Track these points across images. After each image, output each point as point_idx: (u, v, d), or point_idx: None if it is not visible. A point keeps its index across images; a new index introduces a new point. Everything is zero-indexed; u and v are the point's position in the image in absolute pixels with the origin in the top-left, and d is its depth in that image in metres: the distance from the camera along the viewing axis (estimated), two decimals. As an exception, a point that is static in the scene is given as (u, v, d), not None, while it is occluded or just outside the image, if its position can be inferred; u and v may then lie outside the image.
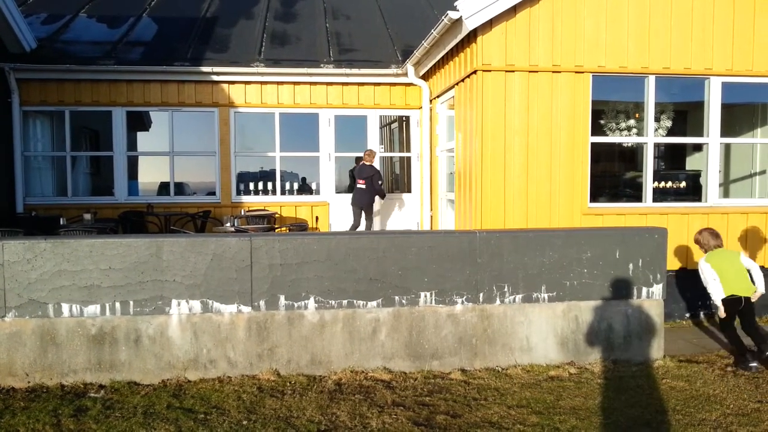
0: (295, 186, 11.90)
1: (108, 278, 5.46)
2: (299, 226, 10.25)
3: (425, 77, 10.69)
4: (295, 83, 11.00)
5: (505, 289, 6.00)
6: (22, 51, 10.49)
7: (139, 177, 12.11)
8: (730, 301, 6.20)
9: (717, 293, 6.24)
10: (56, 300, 5.41)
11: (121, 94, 10.73)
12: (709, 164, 8.60)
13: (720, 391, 5.42)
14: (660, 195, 8.97)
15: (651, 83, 8.36)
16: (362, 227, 10.46)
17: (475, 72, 8.02)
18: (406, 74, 10.72)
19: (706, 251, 6.49)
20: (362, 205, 10.55)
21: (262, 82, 10.95)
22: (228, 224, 8.78)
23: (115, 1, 13.44)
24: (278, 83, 10.99)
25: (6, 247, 5.35)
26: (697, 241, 6.64)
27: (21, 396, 5.18)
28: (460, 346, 5.96)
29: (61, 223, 8.85)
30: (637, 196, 8.71)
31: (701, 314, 8.56)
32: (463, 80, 8.57)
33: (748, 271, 6.29)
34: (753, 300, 6.19)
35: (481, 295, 5.97)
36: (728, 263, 6.30)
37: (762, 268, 6.61)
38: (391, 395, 5.25)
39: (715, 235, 6.49)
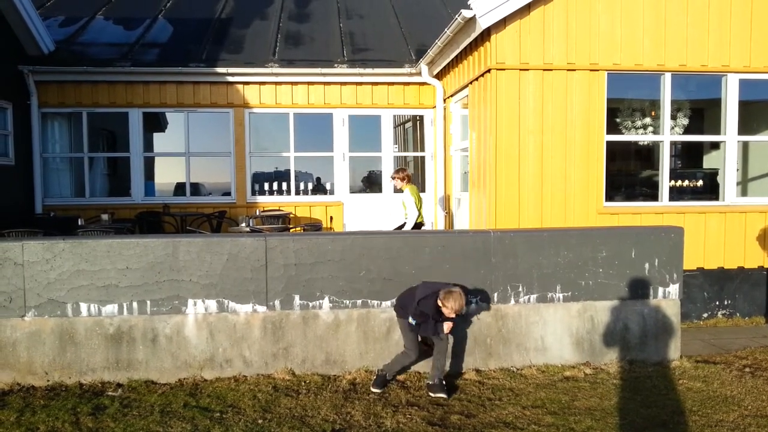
0: (310, 186, 11.95)
1: (125, 278, 5.52)
2: (314, 226, 10.30)
3: (439, 76, 10.68)
4: (309, 83, 11.04)
5: (520, 289, 5.99)
6: (41, 53, 10.64)
7: (156, 177, 12.21)
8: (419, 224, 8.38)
9: (414, 216, 8.32)
10: (75, 299, 5.49)
11: (137, 96, 10.84)
12: (726, 162, 8.51)
13: (738, 392, 5.36)
14: (676, 194, 8.89)
15: (667, 81, 8.29)
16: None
17: (489, 71, 7.99)
18: (419, 73, 10.72)
19: (409, 182, 8.49)
20: None
21: (276, 83, 11.00)
22: (243, 224, 8.84)
23: (131, 4, 13.58)
24: (292, 83, 11.04)
25: (26, 247, 5.44)
26: (403, 179, 8.49)
27: (41, 394, 5.26)
28: (475, 346, 5.95)
29: (79, 223, 8.97)
30: (653, 195, 8.64)
31: (719, 314, 8.48)
32: (476, 79, 8.56)
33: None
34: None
35: (496, 294, 5.95)
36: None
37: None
38: (405, 395, 5.26)
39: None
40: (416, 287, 5.35)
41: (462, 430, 4.58)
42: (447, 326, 5.29)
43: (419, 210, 8.48)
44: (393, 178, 8.68)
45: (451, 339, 5.61)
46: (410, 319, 5.23)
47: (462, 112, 10.02)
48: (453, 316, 5.15)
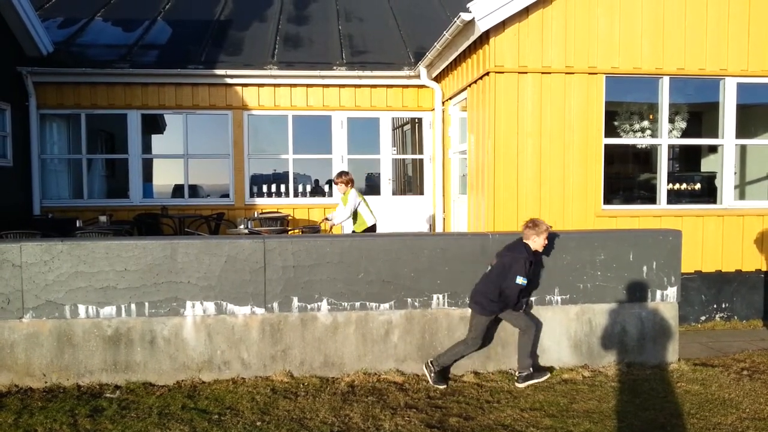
0: (308, 188, 11.94)
1: (123, 280, 5.52)
2: (312, 228, 10.28)
3: (438, 79, 10.70)
4: (308, 86, 11.05)
5: (518, 292, 5.98)
6: (39, 55, 10.63)
7: (154, 179, 12.20)
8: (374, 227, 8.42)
9: (370, 219, 8.26)
10: (73, 301, 5.48)
11: (136, 97, 10.84)
12: (724, 166, 8.53)
13: (736, 395, 5.37)
14: (674, 197, 8.91)
15: (665, 84, 8.31)
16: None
17: (487, 73, 8.01)
18: (418, 76, 10.73)
19: (352, 186, 8.30)
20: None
21: (275, 85, 11.01)
22: (242, 226, 8.84)
23: (130, 5, 13.58)
24: (291, 86, 11.04)
25: (24, 248, 5.43)
26: (347, 182, 8.28)
27: (38, 396, 5.24)
28: (473, 349, 5.95)
29: (78, 225, 8.95)
30: (651, 198, 8.66)
31: (716, 317, 8.49)
32: (475, 82, 8.57)
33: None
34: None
35: (494, 297, 5.95)
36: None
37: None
38: (403, 397, 5.26)
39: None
40: (494, 267, 5.54)
41: (460, 432, 4.58)
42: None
43: (371, 212, 8.37)
44: (336, 182, 8.40)
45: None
46: (519, 280, 5.33)
47: (460, 114, 10.03)
48: (546, 241, 5.56)
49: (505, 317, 5.68)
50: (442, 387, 5.48)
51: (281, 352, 5.73)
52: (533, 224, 5.53)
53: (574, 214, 8.07)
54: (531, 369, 5.61)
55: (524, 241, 5.54)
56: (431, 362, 5.64)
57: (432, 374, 5.58)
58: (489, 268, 5.63)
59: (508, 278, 5.36)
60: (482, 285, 5.59)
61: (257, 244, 5.66)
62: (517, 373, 5.65)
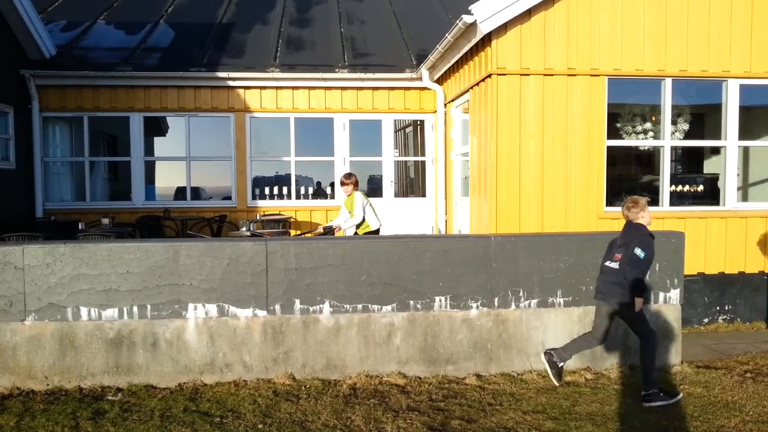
0: (310, 190, 11.95)
1: (126, 282, 5.52)
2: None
3: (440, 81, 10.70)
4: (310, 88, 11.06)
5: (521, 294, 5.98)
6: (42, 58, 10.67)
7: (156, 182, 12.22)
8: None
9: (375, 223, 8.26)
10: (75, 304, 5.48)
11: (138, 100, 10.86)
12: (727, 167, 8.51)
13: (739, 397, 5.35)
14: (677, 199, 8.89)
15: (667, 86, 8.30)
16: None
17: (489, 76, 8.01)
18: (420, 78, 10.74)
19: (357, 188, 8.28)
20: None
21: (277, 87, 11.02)
22: (244, 228, 8.84)
23: (132, 8, 13.62)
24: (293, 88, 11.05)
25: (26, 251, 5.43)
26: (356, 183, 8.28)
27: (40, 398, 5.25)
28: (475, 351, 5.94)
29: (80, 227, 8.98)
30: (653, 200, 8.63)
31: (719, 319, 8.46)
32: (477, 84, 8.57)
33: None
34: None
35: (496, 299, 5.95)
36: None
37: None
38: (405, 400, 5.25)
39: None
40: (622, 256, 5.19)
41: (462, 435, 4.56)
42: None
43: (376, 215, 8.34)
44: (343, 184, 8.27)
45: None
46: (638, 251, 5.05)
47: (463, 116, 10.03)
48: (649, 214, 5.30)
49: (624, 317, 5.35)
50: (676, 398, 5.21)
51: (283, 354, 5.73)
52: (633, 203, 5.25)
53: (576, 216, 8.06)
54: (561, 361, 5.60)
55: (635, 222, 5.25)
56: (645, 395, 5.18)
57: (652, 391, 5.18)
58: (611, 264, 5.34)
59: (629, 251, 5.11)
60: (602, 278, 5.41)
61: (259, 247, 5.66)
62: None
